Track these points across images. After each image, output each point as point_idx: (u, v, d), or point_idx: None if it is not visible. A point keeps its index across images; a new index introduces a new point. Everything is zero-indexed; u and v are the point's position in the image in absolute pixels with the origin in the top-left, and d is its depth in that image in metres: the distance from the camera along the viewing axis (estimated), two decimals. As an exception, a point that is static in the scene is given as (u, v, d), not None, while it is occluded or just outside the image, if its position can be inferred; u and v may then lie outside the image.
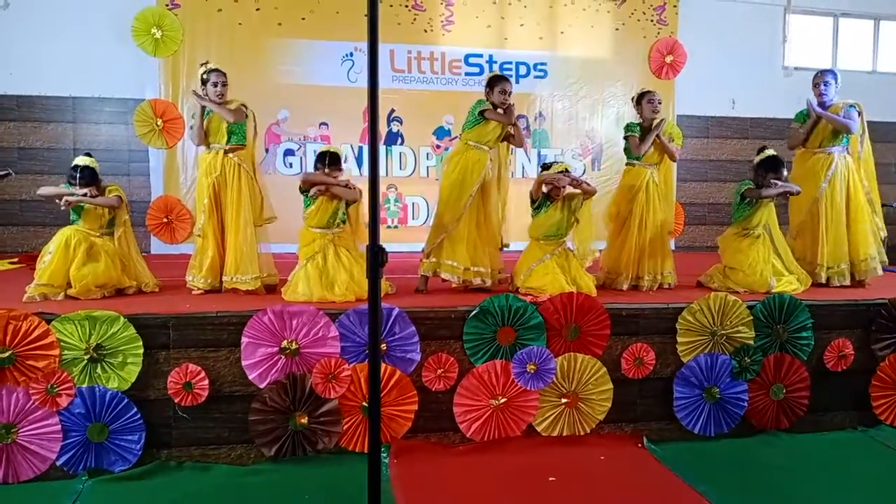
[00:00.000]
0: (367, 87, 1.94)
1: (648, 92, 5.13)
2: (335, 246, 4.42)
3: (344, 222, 4.52)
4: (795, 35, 9.09)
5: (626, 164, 5.16)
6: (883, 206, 8.35)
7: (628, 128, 5.11)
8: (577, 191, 4.60)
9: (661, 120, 5.02)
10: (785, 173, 4.96)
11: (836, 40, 9.24)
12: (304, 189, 4.46)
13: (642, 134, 5.00)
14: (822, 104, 5.23)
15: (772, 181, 4.87)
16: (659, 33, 8.45)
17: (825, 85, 5.21)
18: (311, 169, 7.51)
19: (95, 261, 4.29)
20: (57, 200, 4.36)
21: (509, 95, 4.68)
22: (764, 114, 8.88)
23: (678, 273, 5.12)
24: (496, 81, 4.72)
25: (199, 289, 4.53)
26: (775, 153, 5.01)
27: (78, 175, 4.40)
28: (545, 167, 4.73)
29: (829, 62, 9.12)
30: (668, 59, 8.38)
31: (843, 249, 5.16)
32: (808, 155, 5.30)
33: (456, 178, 4.64)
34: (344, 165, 7.81)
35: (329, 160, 4.50)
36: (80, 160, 4.51)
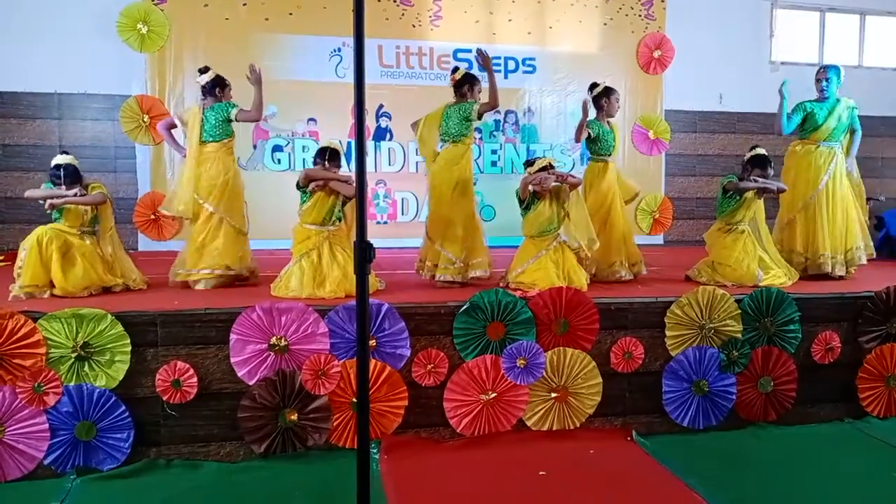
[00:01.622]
0: (354, 82, 1.93)
1: (612, 89, 5.24)
2: (330, 244, 4.41)
3: (340, 220, 4.52)
4: (782, 30, 9.15)
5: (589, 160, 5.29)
6: (868, 199, 8.49)
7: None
8: (564, 185, 4.61)
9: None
10: (771, 172, 5.01)
11: (823, 35, 9.30)
12: (303, 185, 4.45)
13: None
14: (821, 98, 5.33)
15: (753, 178, 4.95)
16: (647, 28, 8.47)
17: (827, 81, 5.31)
18: (301, 165, 7.55)
19: (72, 265, 4.23)
20: (41, 202, 4.31)
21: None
22: (751, 108, 8.93)
23: (666, 266, 5.15)
24: (475, 81, 4.81)
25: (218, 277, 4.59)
26: (764, 152, 5.07)
27: (62, 174, 4.34)
28: (529, 164, 4.75)
29: (816, 57, 9.18)
30: (656, 53, 8.38)
31: (841, 239, 5.27)
32: (811, 147, 5.33)
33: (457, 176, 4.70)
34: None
35: (329, 155, 4.55)
36: (61, 159, 4.44)
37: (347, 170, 7.54)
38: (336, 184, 4.45)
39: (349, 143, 7.83)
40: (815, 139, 5.31)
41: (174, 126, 4.88)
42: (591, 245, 4.75)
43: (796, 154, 5.43)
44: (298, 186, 4.48)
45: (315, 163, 4.59)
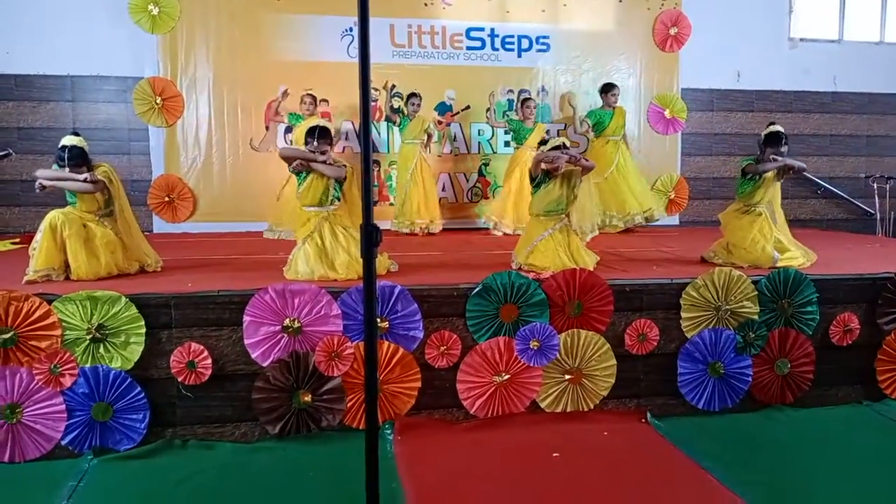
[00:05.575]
0: (359, 62, 1.89)
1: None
2: (331, 224, 4.39)
3: (338, 199, 4.47)
4: (801, 6, 8.95)
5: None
6: (888, 178, 8.37)
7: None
8: (576, 167, 4.56)
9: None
10: (786, 150, 4.91)
11: (843, 11, 9.09)
12: (292, 168, 4.41)
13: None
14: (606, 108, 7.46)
15: (771, 157, 4.85)
16: (663, 5, 8.31)
17: (615, 96, 7.54)
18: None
19: (96, 257, 4.21)
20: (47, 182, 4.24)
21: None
22: (769, 86, 8.77)
23: (681, 247, 5.11)
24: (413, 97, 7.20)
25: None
26: (779, 129, 4.97)
27: (66, 155, 4.21)
28: (542, 143, 4.72)
29: (836, 33, 8.99)
30: (673, 31, 8.25)
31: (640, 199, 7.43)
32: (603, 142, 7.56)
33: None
34: (346, 143, 7.83)
35: (317, 134, 4.44)
36: (67, 140, 4.31)
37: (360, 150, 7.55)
38: (317, 165, 4.35)
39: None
40: (605, 136, 7.52)
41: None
42: (591, 231, 4.75)
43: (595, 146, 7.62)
44: (290, 169, 4.45)
45: (306, 143, 4.51)
